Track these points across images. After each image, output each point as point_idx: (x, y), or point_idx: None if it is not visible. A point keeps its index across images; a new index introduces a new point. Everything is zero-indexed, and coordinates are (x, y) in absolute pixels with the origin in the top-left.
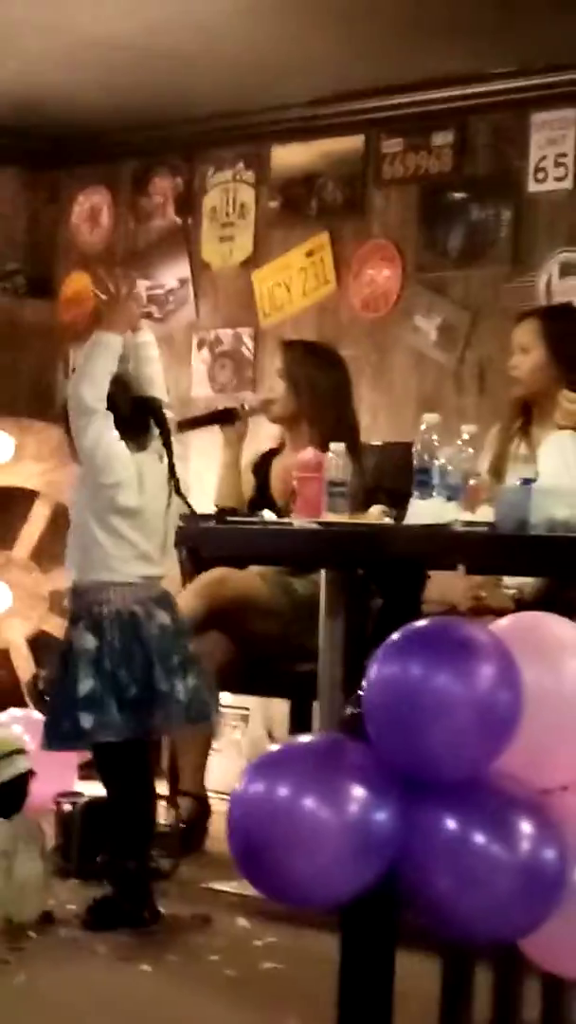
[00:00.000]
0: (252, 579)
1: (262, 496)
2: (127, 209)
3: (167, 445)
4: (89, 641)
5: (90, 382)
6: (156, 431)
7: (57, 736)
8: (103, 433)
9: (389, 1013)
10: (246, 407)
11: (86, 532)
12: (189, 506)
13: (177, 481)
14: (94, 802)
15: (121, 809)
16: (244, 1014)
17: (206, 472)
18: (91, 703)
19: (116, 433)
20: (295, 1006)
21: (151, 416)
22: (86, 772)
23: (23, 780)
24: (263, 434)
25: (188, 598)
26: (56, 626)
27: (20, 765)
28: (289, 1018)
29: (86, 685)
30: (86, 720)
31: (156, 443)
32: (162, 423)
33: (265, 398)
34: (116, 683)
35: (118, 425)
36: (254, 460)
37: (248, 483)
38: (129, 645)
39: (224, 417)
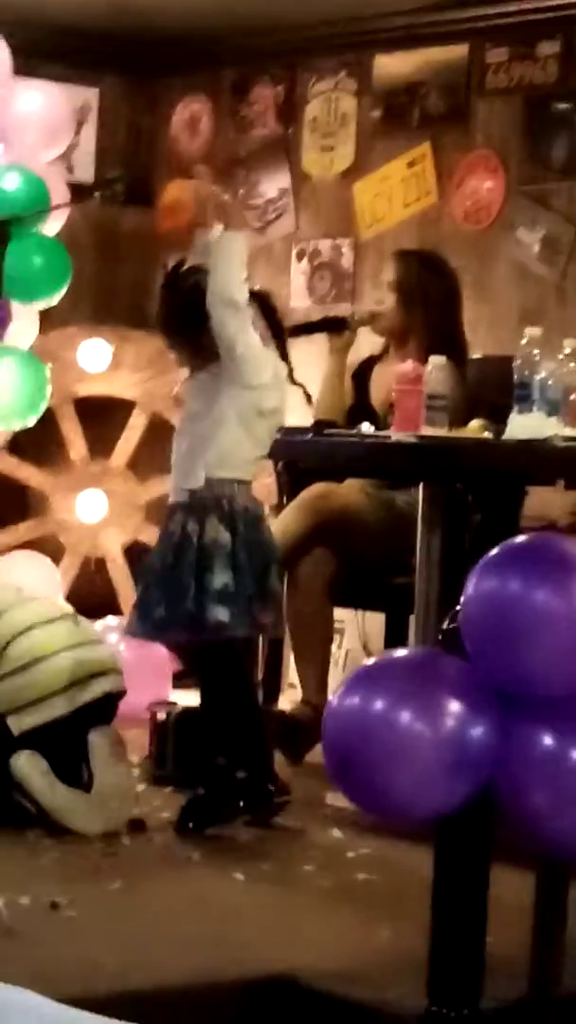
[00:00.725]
0: (355, 494)
1: (362, 405)
2: (227, 117)
3: (280, 336)
4: (223, 535)
5: (238, 283)
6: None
7: (160, 625)
8: (252, 335)
9: (483, 926)
10: (356, 316)
11: (227, 432)
12: (308, 394)
13: (291, 370)
14: (188, 711)
15: (217, 707)
16: (337, 924)
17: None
18: (226, 597)
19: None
20: (389, 917)
21: (264, 309)
22: (181, 681)
23: (110, 701)
24: (364, 343)
25: (292, 514)
26: (152, 536)
27: (100, 687)
28: (383, 929)
29: (221, 578)
30: (222, 613)
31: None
32: (274, 314)
33: (373, 310)
34: (245, 579)
35: None
36: (354, 367)
37: (348, 391)
38: (254, 541)
39: (334, 325)
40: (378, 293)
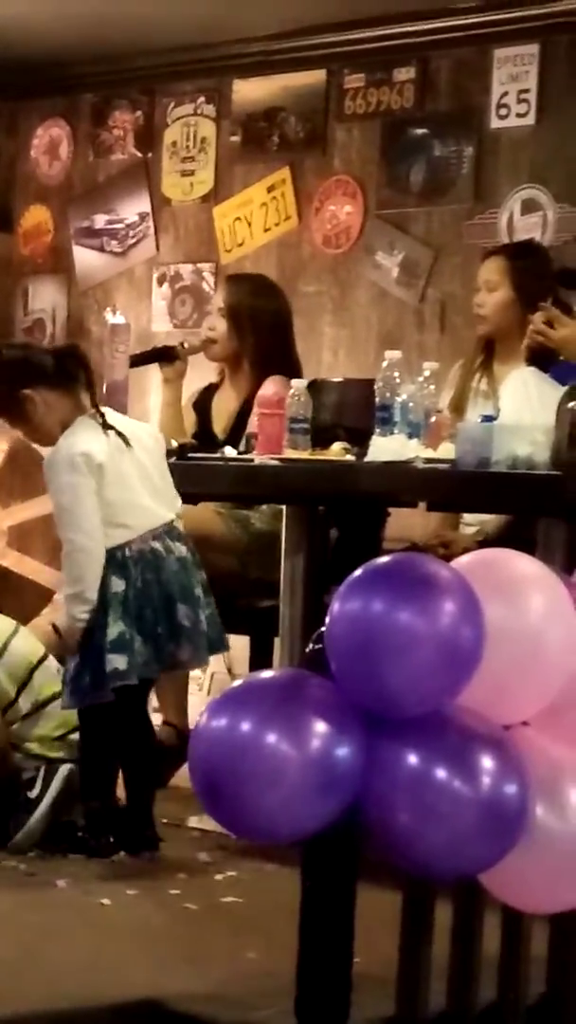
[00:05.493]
0: (207, 514)
1: (204, 432)
2: (87, 142)
3: (91, 389)
4: (117, 584)
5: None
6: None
7: (80, 689)
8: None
9: (350, 947)
10: (186, 345)
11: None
12: (123, 437)
13: (105, 421)
14: None
15: (99, 752)
16: (204, 947)
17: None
18: (121, 646)
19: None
20: (256, 939)
21: (77, 364)
22: None
23: None
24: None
25: None
26: (14, 560)
27: None
28: (249, 951)
29: (116, 628)
30: (120, 662)
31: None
32: (86, 366)
33: (205, 337)
34: (142, 623)
35: (49, 382)
36: (193, 397)
37: (189, 420)
38: (151, 582)
39: (163, 355)
40: (213, 320)
